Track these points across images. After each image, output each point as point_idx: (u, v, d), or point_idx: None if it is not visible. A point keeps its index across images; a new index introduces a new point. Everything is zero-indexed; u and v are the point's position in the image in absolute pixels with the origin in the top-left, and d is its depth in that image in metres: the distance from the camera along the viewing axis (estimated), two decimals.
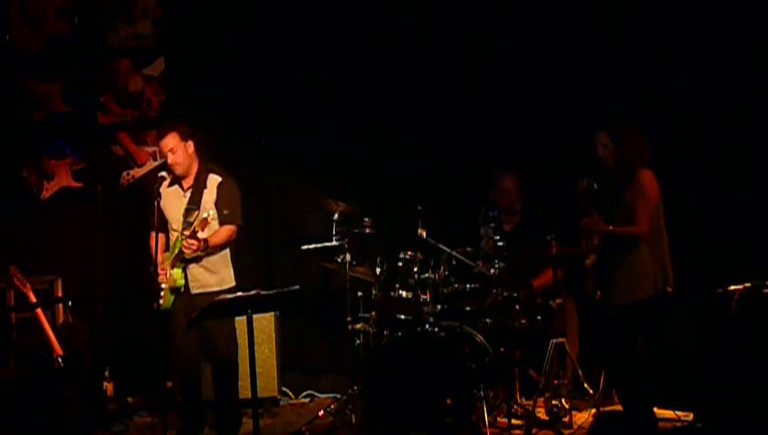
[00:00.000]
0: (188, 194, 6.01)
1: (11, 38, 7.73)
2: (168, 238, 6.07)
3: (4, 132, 7.69)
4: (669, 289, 5.53)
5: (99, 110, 7.77)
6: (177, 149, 5.97)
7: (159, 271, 5.91)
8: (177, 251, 5.89)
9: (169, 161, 6.00)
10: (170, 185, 6.08)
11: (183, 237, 5.81)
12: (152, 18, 7.73)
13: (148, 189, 6.20)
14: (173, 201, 6.03)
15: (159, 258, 5.97)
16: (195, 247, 5.80)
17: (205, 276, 5.99)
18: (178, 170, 6.01)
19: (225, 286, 6.00)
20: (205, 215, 5.73)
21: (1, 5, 7.70)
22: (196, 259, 5.94)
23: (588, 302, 6.16)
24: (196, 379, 6.10)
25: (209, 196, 6.00)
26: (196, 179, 6.04)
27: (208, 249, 5.90)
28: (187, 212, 5.94)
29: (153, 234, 6.00)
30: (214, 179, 6.04)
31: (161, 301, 5.94)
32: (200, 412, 6.13)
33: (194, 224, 5.77)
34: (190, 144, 6.01)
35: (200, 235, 5.76)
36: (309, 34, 7.36)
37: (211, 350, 6.03)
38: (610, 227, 5.49)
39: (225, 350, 5.98)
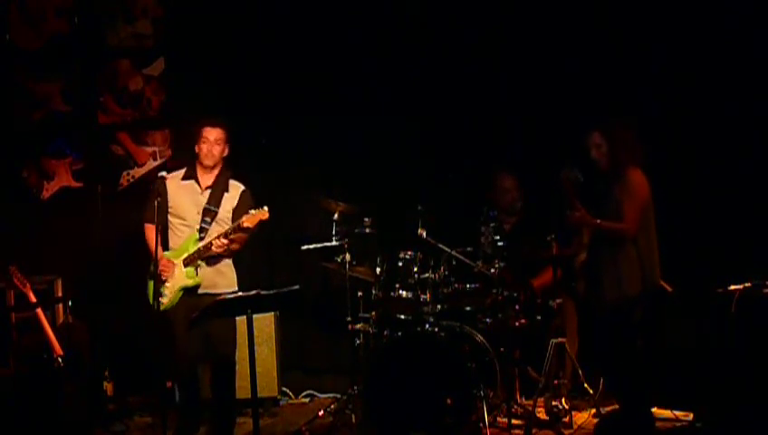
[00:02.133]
0: (207, 193, 5.97)
1: (11, 38, 7.74)
2: (165, 234, 5.96)
3: (4, 132, 7.69)
4: (669, 288, 5.53)
5: (99, 110, 7.78)
6: (221, 144, 5.96)
7: (163, 268, 5.87)
8: (194, 249, 5.84)
9: (208, 149, 5.93)
10: (184, 179, 5.99)
11: (200, 231, 5.81)
12: (152, 18, 7.74)
13: (148, 187, 6.20)
14: (186, 196, 5.94)
15: (159, 254, 5.89)
16: (225, 247, 5.77)
17: (215, 278, 5.95)
18: (209, 161, 5.95)
19: (231, 289, 5.97)
20: (254, 211, 5.67)
21: (1, 5, 7.70)
22: (212, 260, 5.92)
23: (580, 301, 6.17)
24: (195, 378, 6.08)
25: (230, 201, 5.98)
26: (216, 181, 6.00)
27: (230, 251, 5.89)
28: (206, 211, 5.92)
29: (152, 226, 5.89)
30: (236, 186, 6.03)
31: (164, 299, 5.87)
32: (198, 411, 6.11)
33: (231, 222, 5.77)
34: (227, 149, 6.02)
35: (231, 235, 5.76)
36: (309, 34, 7.36)
37: (211, 347, 6.01)
38: (598, 221, 5.50)
39: (225, 347, 5.96)
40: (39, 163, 7.76)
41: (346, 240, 6.38)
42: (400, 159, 7.18)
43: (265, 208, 5.68)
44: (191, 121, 6.17)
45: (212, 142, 5.94)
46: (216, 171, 6.02)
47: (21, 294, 6.49)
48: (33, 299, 6.39)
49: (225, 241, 5.78)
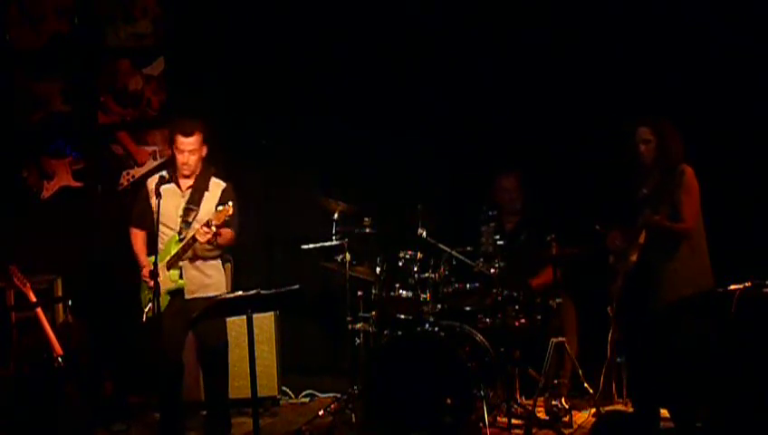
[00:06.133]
0: (188, 194, 5.93)
1: (11, 38, 7.74)
2: (154, 240, 5.91)
3: (4, 132, 7.69)
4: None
5: (99, 110, 7.78)
6: (197, 152, 5.86)
7: (146, 275, 5.78)
8: (175, 251, 5.81)
9: (183, 160, 5.84)
10: (165, 183, 5.86)
11: (180, 231, 5.77)
12: (152, 18, 7.73)
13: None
14: (168, 199, 5.84)
15: (144, 259, 5.89)
16: (209, 236, 5.67)
17: (200, 280, 5.91)
18: (187, 171, 5.89)
19: (220, 292, 5.94)
20: (221, 208, 5.61)
21: (1, 5, 7.70)
22: (196, 262, 5.88)
23: (616, 302, 6.02)
24: (180, 380, 6.02)
25: (211, 199, 5.91)
26: (197, 181, 5.95)
27: (214, 245, 5.83)
28: (186, 211, 5.88)
29: (140, 232, 5.92)
30: (217, 184, 5.97)
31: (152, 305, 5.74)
32: (181, 416, 6.05)
33: (199, 218, 5.71)
34: (205, 148, 5.93)
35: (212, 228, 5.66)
36: (309, 34, 7.36)
37: (201, 343, 5.97)
38: (666, 223, 5.39)
39: (215, 340, 5.91)
40: (39, 163, 7.77)
41: (346, 240, 6.38)
42: (400, 159, 7.18)
43: (230, 204, 5.60)
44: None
45: (187, 154, 5.84)
46: (197, 172, 5.96)
47: (21, 294, 6.49)
48: (33, 299, 6.39)
49: (209, 230, 5.63)
